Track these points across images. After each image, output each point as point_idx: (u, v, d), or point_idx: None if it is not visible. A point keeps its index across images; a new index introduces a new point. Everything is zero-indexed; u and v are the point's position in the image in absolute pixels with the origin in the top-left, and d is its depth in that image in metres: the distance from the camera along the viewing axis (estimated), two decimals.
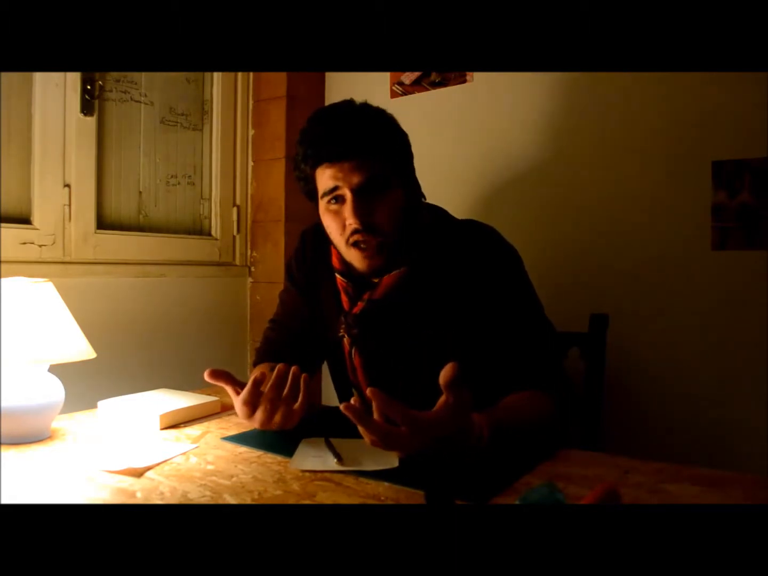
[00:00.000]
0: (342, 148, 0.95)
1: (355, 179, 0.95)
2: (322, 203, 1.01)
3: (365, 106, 1.02)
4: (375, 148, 0.96)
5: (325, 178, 0.98)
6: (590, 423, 1.22)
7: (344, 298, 1.08)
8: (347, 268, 1.07)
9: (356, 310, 1.06)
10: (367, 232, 0.97)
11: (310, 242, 1.18)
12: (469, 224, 1.09)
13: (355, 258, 1.02)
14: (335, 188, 0.97)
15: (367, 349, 1.08)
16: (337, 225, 0.99)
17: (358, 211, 0.96)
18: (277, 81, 1.92)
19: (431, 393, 0.97)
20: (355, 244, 0.99)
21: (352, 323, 1.06)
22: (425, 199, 1.11)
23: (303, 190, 1.05)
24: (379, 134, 0.98)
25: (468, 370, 0.99)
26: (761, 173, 1.30)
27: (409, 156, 1.05)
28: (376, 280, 1.04)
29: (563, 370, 1.02)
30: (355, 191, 0.96)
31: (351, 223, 0.96)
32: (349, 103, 1.02)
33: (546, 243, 1.57)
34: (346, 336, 1.08)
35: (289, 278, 1.22)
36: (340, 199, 0.98)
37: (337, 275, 1.09)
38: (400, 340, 1.05)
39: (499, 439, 0.81)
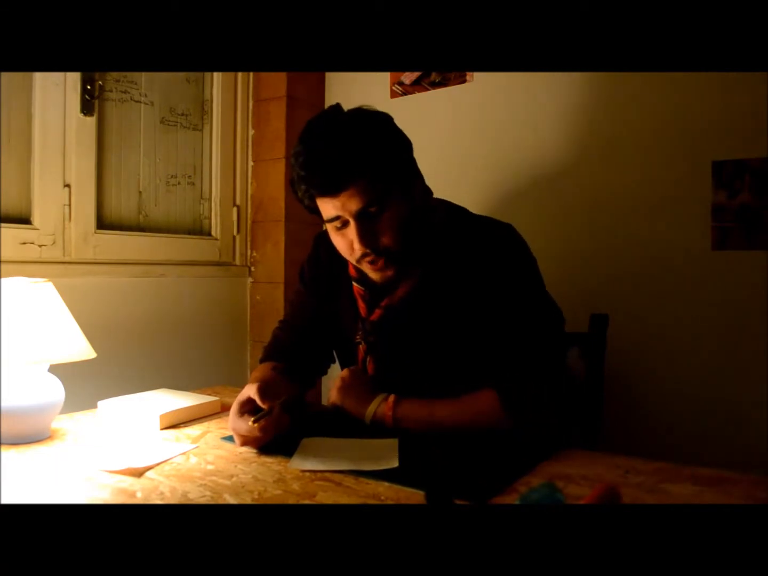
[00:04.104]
0: (335, 183, 0.93)
1: (354, 207, 0.94)
2: (329, 225, 1.01)
3: (351, 122, 0.97)
4: (368, 172, 0.93)
5: (325, 207, 0.98)
6: (590, 423, 1.22)
7: (361, 304, 1.08)
8: (363, 275, 1.07)
9: (374, 317, 1.06)
10: (375, 254, 0.98)
11: (324, 247, 1.16)
12: (483, 221, 1.06)
13: (367, 270, 1.03)
14: (337, 216, 0.97)
15: (382, 355, 1.07)
16: (346, 245, 1.00)
17: (363, 238, 0.96)
18: (277, 81, 1.92)
19: (442, 393, 0.98)
20: (367, 262, 1.00)
21: (370, 330, 1.07)
22: (432, 194, 1.09)
23: (306, 208, 1.04)
24: (370, 155, 0.94)
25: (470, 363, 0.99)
26: (761, 173, 1.30)
27: (407, 161, 1.02)
28: (396, 284, 1.04)
29: (553, 370, 0.97)
30: (356, 217, 0.95)
31: (357, 248, 0.97)
32: (334, 120, 0.97)
33: (546, 243, 1.57)
34: (362, 342, 1.08)
35: (301, 281, 1.22)
36: (345, 223, 0.98)
37: (354, 283, 1.09)
38: (416, 345, 1.04)
39: (406, 424, 0.97)
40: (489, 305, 0.99)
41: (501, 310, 0.98)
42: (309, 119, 1.00)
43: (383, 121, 1.00)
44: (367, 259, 0.99)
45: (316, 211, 1.02)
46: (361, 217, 0.95)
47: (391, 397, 0.99)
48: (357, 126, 0.96)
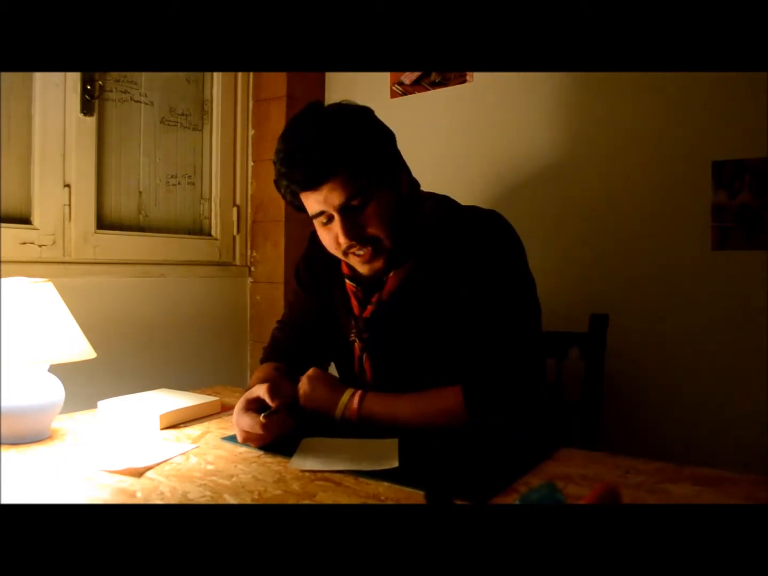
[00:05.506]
0: (314, 176, 0.93)
1: (337, 200, 0.94)
2: (315, 221, 1.01)
3: (330, 117, 0.97)
4: (348, 163, 0.93)
5: (309, 202, 0.98)
6: (590, 423, 1.22)
7: (354, 302, 1.09)
8: (355, 272, 1.07)
9: (366, 314, 1.07)
10: (360, 244, 0.98)
11: (319, 244, 1.14)
12: (469, 211, 1.06)
13: (355, 264, 1.03)
14: (322, 212, 0.97)
15: (377, 351, 1.08)
16: (332, 240, 1.00)
17: (348, 231, 0.96)
18: (277, 81, 1.92)
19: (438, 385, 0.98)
20: (353, 254, 1.00)
21: (363, 327, 1.07)
22: (419, 186, 1.09)
23: (292, 206, 1.04)
24: (349, 146, 0.93)
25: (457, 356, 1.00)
26: (761, 173, 1.30)
27: (389, 153, 1.02)
28: (385, 278, 1.04)
29: (527, 369, 0.97)
30: (340, 211, 0.95)
31: (343, 242, 0.97)
32: (314, 116, 0.97)
33: (546, 242, 1.57)
34: (357, 340, 1.08)
35: (297, 280, 1.22)
36: (330, 218, 0.98)
37: (347, 280, 1.09)
38: (408, 339, 1.04)
39: (372, 418, 0.97)
40: (473, 299, 0.99)
41: (482, 306, 0.98)
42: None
43: (362, 114, 1.00)
44: (353, 250, 0.99)
45: (302, 208, 1.02)
46: (344, 211, 0.95)
47: (358, 392, 0.99)
48: (335, 120, 0.96)
